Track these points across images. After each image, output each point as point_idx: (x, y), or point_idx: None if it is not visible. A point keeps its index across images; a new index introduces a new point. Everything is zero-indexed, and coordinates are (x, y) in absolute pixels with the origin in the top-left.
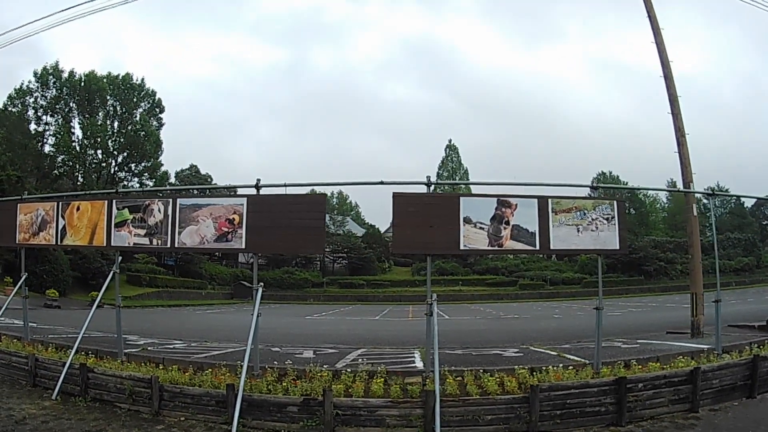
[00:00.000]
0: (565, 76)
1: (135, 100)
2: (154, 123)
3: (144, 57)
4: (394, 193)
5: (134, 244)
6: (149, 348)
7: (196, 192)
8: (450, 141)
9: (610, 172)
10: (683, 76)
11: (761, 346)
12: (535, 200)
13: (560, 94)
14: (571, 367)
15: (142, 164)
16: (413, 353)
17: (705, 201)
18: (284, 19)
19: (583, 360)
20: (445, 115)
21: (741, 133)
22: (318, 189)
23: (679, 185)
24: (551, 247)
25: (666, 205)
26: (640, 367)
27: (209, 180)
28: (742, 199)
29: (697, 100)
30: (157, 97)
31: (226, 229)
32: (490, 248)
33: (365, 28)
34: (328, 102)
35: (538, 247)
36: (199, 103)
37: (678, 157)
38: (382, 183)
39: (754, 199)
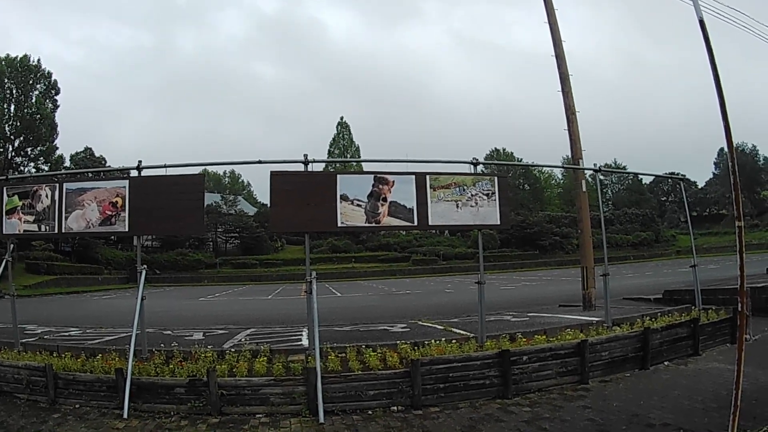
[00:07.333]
0: (453, 59)
1: (31, 82)
2: (50, 105)
3: (17, 41)
4: (271, 171)
5: (24, 231)
6: (46, 336)
7: (90, 175)
8: (342, 118)
9: (504, 149)
10: (573, 57)
11: (654, 319)
12: (413, 177)
13: (450, 75)
14: (454, 341)
15: (38, 148)
16: (301, 331)
17: (602, 177)
18: (145, 2)
19: (468, 334)
20: (311, 95)
21: (632, 112)
22: (200, 169)
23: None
24: (430, 223)
25: (561, 181)
26: (525, 340)
27: (103, 162)
28: (640, 176)
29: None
30: (53, 79)
31: (109, 213)
32: (367, 225)
33: (222, 8)
34: (198, 84)
35: (416, 223)
36: (81, 88)
37: (568, 134)
38: (260, 162)
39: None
